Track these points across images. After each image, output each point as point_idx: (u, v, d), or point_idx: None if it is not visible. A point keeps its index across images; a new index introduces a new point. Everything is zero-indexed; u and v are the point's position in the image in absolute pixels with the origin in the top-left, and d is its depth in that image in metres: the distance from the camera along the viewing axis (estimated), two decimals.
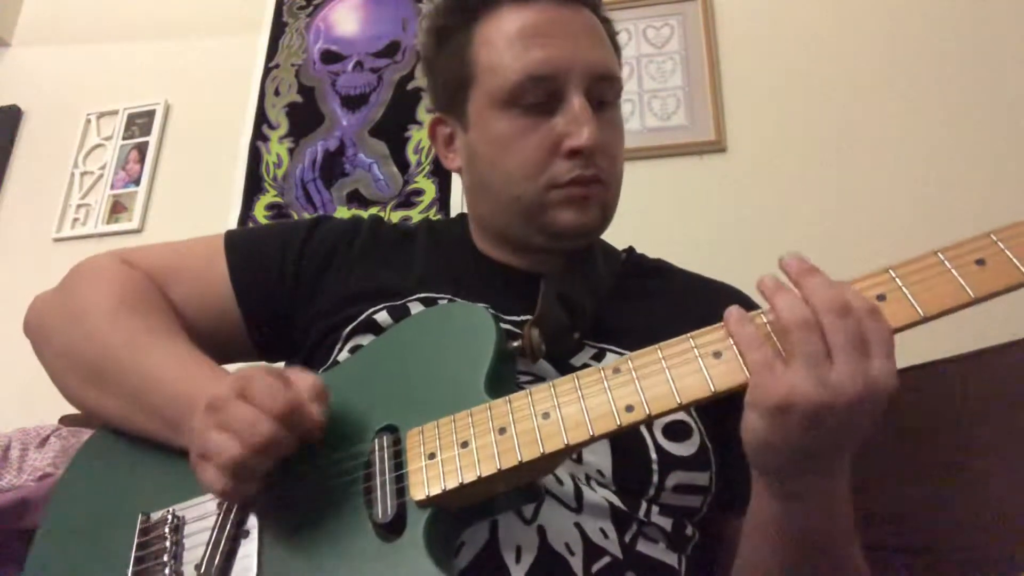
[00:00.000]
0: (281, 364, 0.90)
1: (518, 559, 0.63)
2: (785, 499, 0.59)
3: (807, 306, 0.51)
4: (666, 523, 0.71)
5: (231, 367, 0.74)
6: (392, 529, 0.58)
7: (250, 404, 0.59)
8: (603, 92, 0.81)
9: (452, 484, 0.57)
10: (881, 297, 0.52)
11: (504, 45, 0.79)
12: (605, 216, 0.82)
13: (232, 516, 0.63)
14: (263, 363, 0.65)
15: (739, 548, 0.69)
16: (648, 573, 0.69)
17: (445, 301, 0.80)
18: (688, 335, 0.56)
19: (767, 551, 0.64)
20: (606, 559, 0.66)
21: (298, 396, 0.60)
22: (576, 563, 0.65)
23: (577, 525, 0.66)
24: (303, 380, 0.62)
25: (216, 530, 0.63)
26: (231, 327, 0.86)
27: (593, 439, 0.55)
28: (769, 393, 0.51)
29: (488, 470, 0.57)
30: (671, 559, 0.71)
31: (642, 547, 0.69)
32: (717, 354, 0.54)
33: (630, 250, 0.97)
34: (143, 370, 0.73)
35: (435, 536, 0.57)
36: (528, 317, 0.75)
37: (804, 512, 0.59)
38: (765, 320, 0.54)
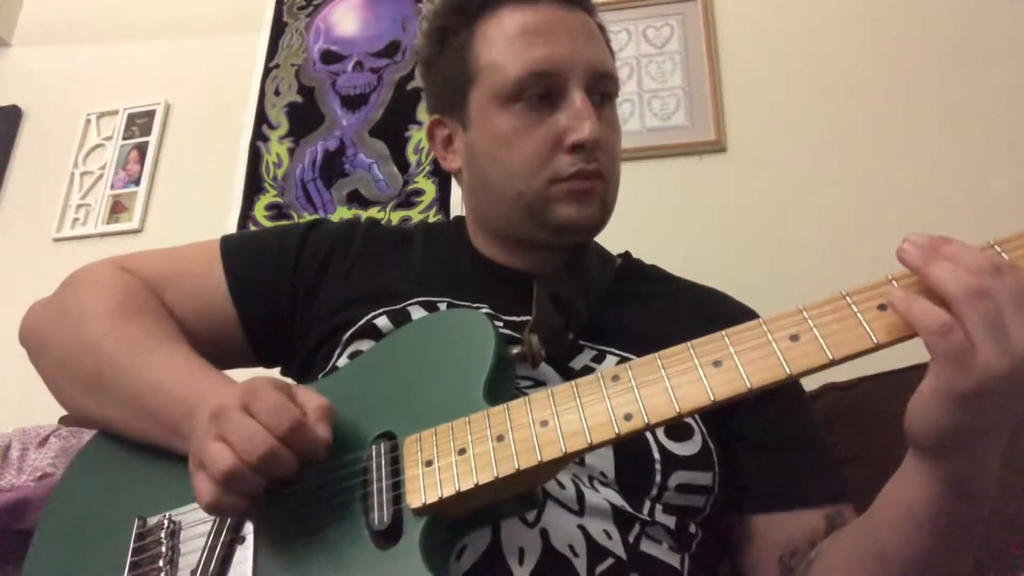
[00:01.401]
0: (277, 370, 0.91)
1: (521, 562, 0.63)
2: (947, 484, 0.53)
3: (969, 274, 0.48)
4: (669, 521, 0.71)
5: (231, 373, 0.74)
6: (388, 536, 0.58)
7: (253, 418, 0.58)
8: (602, 89, 0.82)
9: (449, 491, 0.57)
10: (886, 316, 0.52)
11: (505, 43, 0.80)
12: (605, 212, 0.83)
13: (228, 522, 0.63)
14: (272, 376, 0.64)
15: (857, 539, 0.64)
16: (652, 574, 0.69)
17: (445, 305, 0.80)
18: (688, 343, 0.55)
19: (916, 539, 0.57)
20: (610, 560, 0.66)
21: (300, 415, 0.60)
22: (580, 565, 0.65)
23: (580, 527, 0.66)
24: (310, 400, 0.62)
25: (212, 536, 0.63)
26: (229, 333, 0.86)
27: (591, 447, 0.55)
28: (968, 378, 0.47)
29: (485, 478, 0.56)
30: (674, 560, 0.71)
31: (646, 547, 0.69)
32: (717, 363, 0.54)
33: (626, 255, 0.97)
34: (142, 375, 0.73)
35: (431, 544, 0.57)
36: (527, 318, 0.75)
37: (965, 496, 0.54)
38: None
